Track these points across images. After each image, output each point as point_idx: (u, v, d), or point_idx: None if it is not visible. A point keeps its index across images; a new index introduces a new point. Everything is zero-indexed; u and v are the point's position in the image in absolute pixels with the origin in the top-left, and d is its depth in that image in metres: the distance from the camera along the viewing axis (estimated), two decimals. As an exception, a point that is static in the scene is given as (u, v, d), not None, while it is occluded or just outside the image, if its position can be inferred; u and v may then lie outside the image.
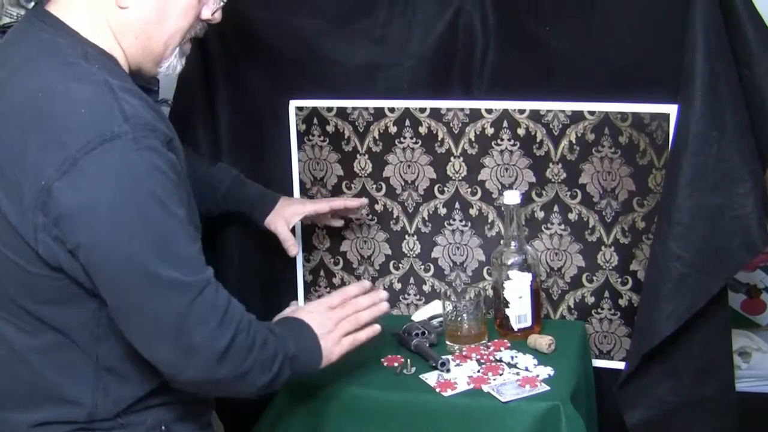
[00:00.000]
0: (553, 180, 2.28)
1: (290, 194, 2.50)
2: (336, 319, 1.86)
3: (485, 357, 2.13)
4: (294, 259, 2.50)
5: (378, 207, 2.44)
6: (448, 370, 2.06)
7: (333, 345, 1.84)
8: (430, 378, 2.05)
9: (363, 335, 1.90)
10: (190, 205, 1.69)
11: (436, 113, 2.34)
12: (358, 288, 1.94)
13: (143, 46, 1.66)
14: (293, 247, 2.29)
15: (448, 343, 2.19)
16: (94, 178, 1.48)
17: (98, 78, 1.55)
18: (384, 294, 1.96)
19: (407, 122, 2.36)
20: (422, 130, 2.36)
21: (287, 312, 1.95)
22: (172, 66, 1.72)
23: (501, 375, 2.04)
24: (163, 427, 1.71)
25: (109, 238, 1.50)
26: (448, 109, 2.33)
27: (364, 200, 2.38)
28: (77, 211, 1.49)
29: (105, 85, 1.54)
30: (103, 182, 1.49)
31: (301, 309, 1.91)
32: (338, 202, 2.35)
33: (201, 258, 1.60)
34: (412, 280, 2.46)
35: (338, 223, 2.40)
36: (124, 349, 1.62)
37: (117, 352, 1.65)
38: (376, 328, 1.92)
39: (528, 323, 2.21)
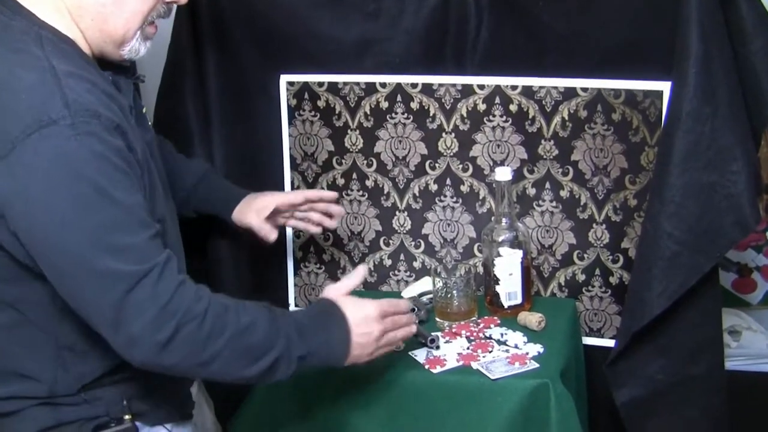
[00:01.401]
0: (545, 157, 2.27)
1: (281, 170, 2.49)
2: (379, 339, 1.80)
3: (475, 334, 2.12)
4: (284, 236, 2.49)
5: (369, 183, 2.42)
6: (438, 347, 2.05)
7: (362, 358, 1.80)
8: (420, 355, 2.04)
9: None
10: (153, 191, 1.67)
11: (427, 89, 2.33)
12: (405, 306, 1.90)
13: (101, 29, 1.63)
14: (270, 232, 2.20)
15: (437, 319, 2.18)
16: (28, 165, 1.47)
17: (43, 64, 1.52)
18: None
19: (399, 98, 2.35)
20: (414, 105, 2.34)
21: (343, 285, 1.87)
22: (135, 50, 1.68)
23: (490, 352, 2.04)
24: (125, 402, 1.70)
25: (42, 226, 1.49)
26: (440, 85, 2.32)
27: (335, 194, 2.30)
28: (12, 198, 1.48)
29: (49, 72, 1.51)
30: (37, 169, 1.47)
31: (352, 302, 1.81)
32: (312, 193, 2.28)
33: (150, 246, 1.55)
34: (402, 257, 2.45)
35: (316, 229, 2.30)
36: (85, 326, 1.61)
37: (77, 331, 1.64)
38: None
39: (518, 300, 2.20)
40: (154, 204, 1.67)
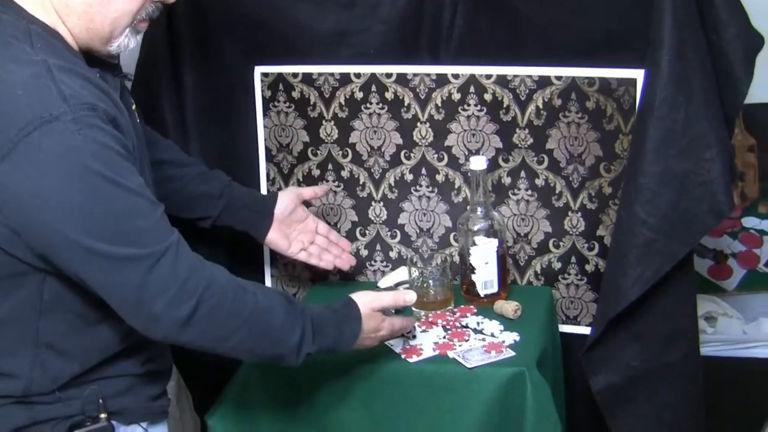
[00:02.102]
0: (519, 145, 2.27)
1: (256, 161, 2.48)
2: (388, 330, 1.91)
3: (451, 323, 2.12)
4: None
5: (344, 173, 2.42)
6: (414, 337, 2.06)
7: (369, 342, 1.89)
8: (396, 344, 2.04)
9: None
10: (145, 176, 1.67)
11: (402, 78, 2.32)
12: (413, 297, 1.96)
13: (87, 27, 1.62)
14: (321, 187, 2.31)
15: (414, 309, 2.18)
16: (35, 162, 1.46)
17: (36, 58, 1.52)
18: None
19: (373, 88, 2.34)
20: (388, 95, 2.34)
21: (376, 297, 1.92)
22: (123, 45, 1.67)
23: (467, 341, 2.04)
24: (100, 401, 1.69)
25: (57, 222, 1.48)
26: (415, 75, 2.31)
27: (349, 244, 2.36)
28: (22, 197, 1.47)
29: (43, 66, 1.51)
30: (45, 166, 1.46)
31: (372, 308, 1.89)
32: (334, 235, 2.31)
33: (161, 225, 1.57)
34: (378, 247, 2.45)
35: (326, 266, 2.30)
36: (67, 325, 1.61)
37: (59, 329, 1.63)
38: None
39: (494, 289, 2.21)
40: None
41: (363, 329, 1.83)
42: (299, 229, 2.24)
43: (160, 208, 1.59)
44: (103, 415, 1.70)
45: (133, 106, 1.81)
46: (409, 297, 1.94)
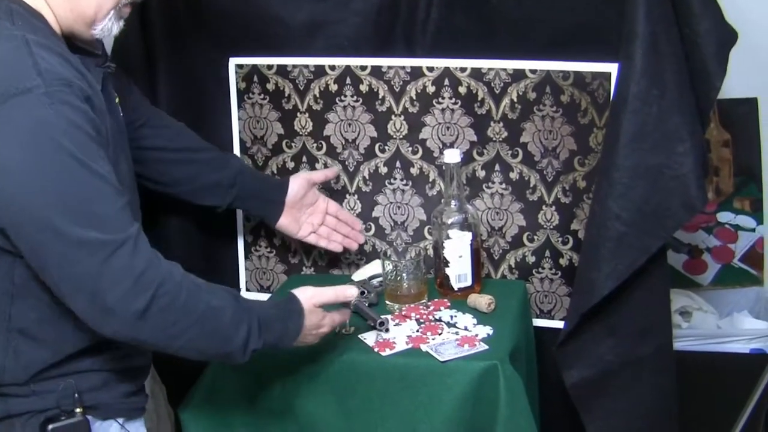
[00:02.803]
0: (494, 139, 2.27)
1: (230, 152, 2.47)
2: (323, 319, 1.88)
3: (425, 317, 2.12)
4: (234, 219, 2.48)
5: (319, 166, 2.41)
6: (387, 330, 2.05)
7: (311, 338, 1.88)
8: (369, 338, 2.03)
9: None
10: (120, 164, 1.65)
11: (377, 71, 2.31)
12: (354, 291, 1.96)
13: (71, 8, 1.62)
14: (331, 169, 2.35)
15: (387, 302, 2.18)
16: (4, 134, 1.45)
17: (15, 33, 1.52)
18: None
19: (348, 80, 2.33)
20: (363, 88, 2.33)
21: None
22: (107, 29, 1.67)
23: (440, 335, 2.04)
24: (76, 395, 1.68)
25: (20, 196, 1.47)
26: (389, 67, 2.30)
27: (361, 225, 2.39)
28: None
29: (21, 40, 1.51)
30: (14, 138, 1.45)
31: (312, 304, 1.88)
32: (345, 215, 2.36)
33: (124, 215, 1.56)
34: (353, 240, 2.44)
35: (336, 247, 2.35)
36: (40, 310, 1.60)
37: (31, 314, 1.62)
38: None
39: (468, 283, 2.20)
40: (121, 176, 1.66)
41: (305, 325, 1.82)
42: (309, 212, 2.29)
43: (124, 198, 1.57)
44: (78, 410, 1.68)
45: (117, 99, 1.80)
46: (350, 292, 1.94)
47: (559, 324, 2.29)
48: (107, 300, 1.51)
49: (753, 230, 3.01)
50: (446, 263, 2.19)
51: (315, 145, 2.40)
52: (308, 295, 1.86)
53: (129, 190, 1.79)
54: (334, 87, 2.35)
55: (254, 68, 2.41)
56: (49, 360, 1.66)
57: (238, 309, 1.68)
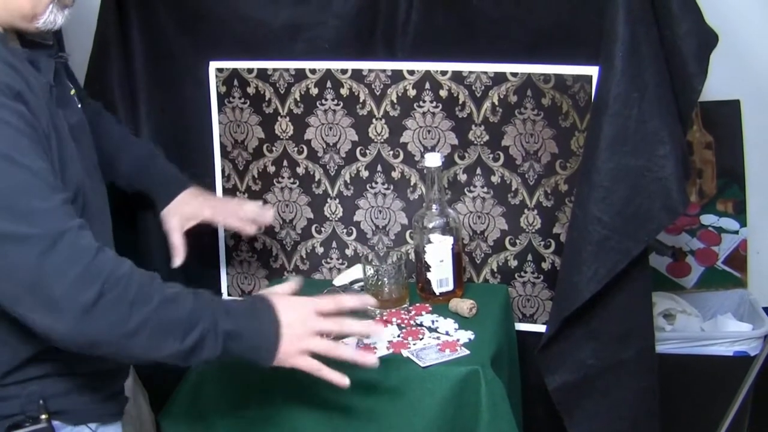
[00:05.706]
0: (475, 142, 2.26)
1: (211, 157, 2.45)
2: (313, 330, 1.71)
3: (406, 321, 2.11)
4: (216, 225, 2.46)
5: (299, 170, 2.40)
6: (368, 335, 2.03)
7: (294, 353, 1.70)
8: (350, 343, 2.02)
9: (327, 372, 1.74)
10: (65, 164, 1.62)
11: (357, 74, 2.30)
12: (357, 302, 1.80)
13: (5, 5, 1.58)
14: (179, 257, 2.17)
15: (369, 307, 2.16)
16: None
17: None
18: (374, 327, 1.86)
19: (329, 84, 2.32)
20: (344, 91, 2.32)
21: (273, 289, 1.81)
22: (50, 21, 1.63)
23: (421, 339, 2.03)
24: (41, 401, 1.65)
25: None
26: (370, 71, 2.29)
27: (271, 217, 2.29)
28: None
29: None
30: None
31: (283, 296, 1.75)
32: (251, 207, 2.24)
33: (60, 211, 1.50)
34: (334, 244, 2.43)
35: (251, 230, 2.24)
36: None
37: None
38: (345, 382, 1.75)
39: (450, 287, 2.19)
40: (65, 176, 1.61)
41: (276, 305, 1.69)
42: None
43: (62, 195, 1.53)
44: (43, 416, 1.65)
45: (72, 91, 1.77)
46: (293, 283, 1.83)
47: (541, 328, 2.28)
48: (53, 293, 1.45)
49: (736, 233, 3.01)
50: (427, 268, 2.18)
51: (296, 149, 2.39)
52: (267, 291, 1.78)
53: (94, 182, 1.76)
54: (314, 91, 2.34)
55: (234, 72, 2.39)
56: (10, 362, 1.62)
57: (197, 295, 1.61)
